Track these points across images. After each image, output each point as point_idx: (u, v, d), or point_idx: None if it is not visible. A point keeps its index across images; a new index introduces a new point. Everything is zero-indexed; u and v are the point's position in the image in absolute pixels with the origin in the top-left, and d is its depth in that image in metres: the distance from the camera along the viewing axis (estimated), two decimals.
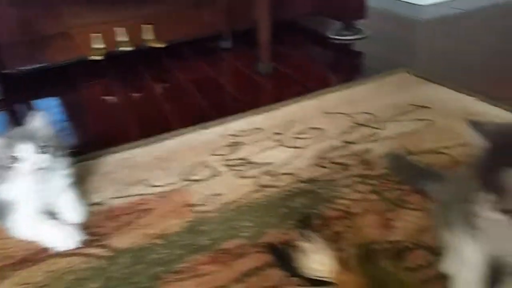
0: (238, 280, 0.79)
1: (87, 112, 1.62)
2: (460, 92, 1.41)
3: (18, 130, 0.92)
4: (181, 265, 0.83)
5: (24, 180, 0.88)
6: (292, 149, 1.19)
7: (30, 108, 1.64)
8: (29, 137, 0.87)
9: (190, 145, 1.25)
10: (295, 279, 0.76)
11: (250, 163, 1.15)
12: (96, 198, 1.05)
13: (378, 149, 1.15)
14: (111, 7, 1.85)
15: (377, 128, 1.25)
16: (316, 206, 0.96)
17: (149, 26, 1.88)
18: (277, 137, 1.26)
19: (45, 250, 0.90)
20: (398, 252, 0.81)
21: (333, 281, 0.71)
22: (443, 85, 1.46)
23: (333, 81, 1.67)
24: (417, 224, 0.87)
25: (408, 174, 1.00)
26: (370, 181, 1.02)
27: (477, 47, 1.88)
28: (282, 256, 0.81)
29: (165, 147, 1.25)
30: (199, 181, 1.08)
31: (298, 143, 1.22)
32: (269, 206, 0.98)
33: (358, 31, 2.10)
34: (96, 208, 1.02)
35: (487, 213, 0.59)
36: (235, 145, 1.23)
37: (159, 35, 1.89)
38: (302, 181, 1.06)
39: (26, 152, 0.86)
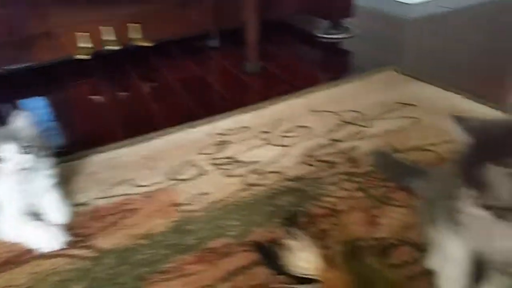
0: (224, 279, 0.79)
1: (73, 112, 1.60)
2: (446, 90, 1.42)
3: (1, 130, 0.90)
4: (167, 265, 0.83)
5: (7, 181, 0.87)
6: (279, 148, 1.19)
7: (16, 108, 1.62)
8: (12, 137, 0.86)
9: (177, 144, 1.25)
10: (281, 277, 0.76)
11: (237, 161, 1.15)
12: (81, 199, 1.04)
13: (365, 147, 1.15)
14: (97, 6, 1.83)
15: (363, 126, 1.25)
16: (303, 204, 0.96)
17: (136, 25, 1.87)
18: (265, 135, 1.26)
19: (29, 251, 0.89)
20: (384, 249, 0.81)
21: (319, 278, 0.71)
22: (430, 83, 1.48)
23: (321, 80, 1.67)
24: (402, 221, 0.88)
25: (393, 172, 1.00)
26: (356, 179, 1.03)
27: (465, 46, 1.90)
28: (269, 254, 0.81)
29: (152, 147, 1.24)
30: (186, 180, 1.08)
31: (285, 141, 1.22)
32: (256, 204, 0.98)
33: (345, 29, 2.11)
34: (81, 208, 1.01)
35: (469, 209, 0.59)
36: (222, 144, 1.23)
37: (146, 34, 1.88)
38: (289, 179, 1.06)
39: (9, 152, 0.85)
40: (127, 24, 1.86)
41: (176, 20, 1.96)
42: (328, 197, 0.98)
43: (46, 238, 0.89)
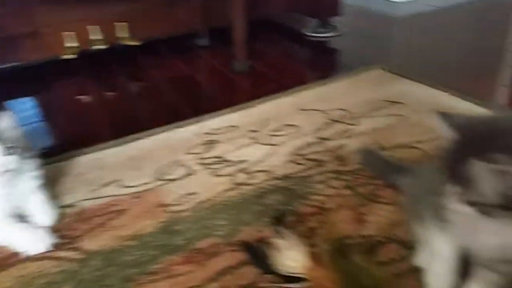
0: (212, 279, 0.79)
1: (60, 112, 1.59)
2: (434, 88, 1.43)
3: None
4: (155, 266, 0.82)
5: None
6: (268, 147, 1.19)
7: (1, 108, 1.60)
8: None
9: (165, 144, 1.24)
10: (269, 276, 0.76)
11: (226, 161, 1.14)
12: (67, 200, 1.03)
13: (352, 145, 1.15)
14: (84, 5, 1.81)
15: (351, 124, 1.26)
16: (291, 203, 0.96)
17: (124, 24, 1.85)
18: (253, 134, 1.26)
19: (14, 254, 0.88)
20: (371, 246, 0.82)
21: (306, 277, 0.72)
22: (417, 81, 1.49)
23: (309, 78, 1.67)
24: (390, 218, 0.88)
25: (380, 169, 1.01)
26: (344, 177, 1.03)
27: (452, 44, 1.91)
28: (257, 254, 0.80)
29: (139, 147, 1.23)
30: (173, 181, 1.07)
31: (274, 140, 1.22)
32: (244, 204, 0.98)
33: (333, 28, 2.12)
34: (67, 210, 1.00)
35: (454, 205, 0.60)
36: (210, 144, 1.23)
37: (133, 33, 1.86)
38: (277, 178, 1.06)
39: None
40: (114, 23, 1.84)
41: (164, 19, 1.95)
42: (316, 196, 0.98)
43: (32, 241, 0.88)
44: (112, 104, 1.59)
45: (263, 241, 0.83)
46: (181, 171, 1.11)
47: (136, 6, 1.90)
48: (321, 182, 1.03)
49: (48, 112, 1.58)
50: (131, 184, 1.06)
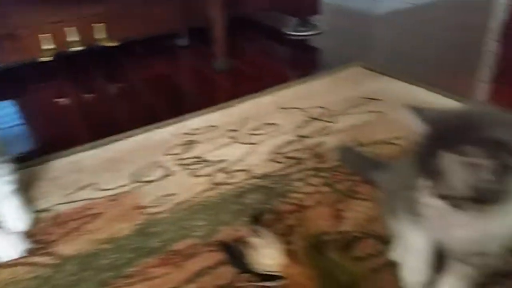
0: (189, 280, 0.78)
1: (37, 115, 1.56)
2: (412, 84, 1.44)
3: None
4: (131, 269, 0.81)
5: None
6: (247, 146, 1.19)
7: None
8: None
9: (143, 145, 1.23)
10: (246, 275, 0.76)
11: (205, 161, 1.13)
12: (42, 204, 1.01)
13: (331, 142, 1.16)
14: (60, 6, 1.79)
15: (330, 122, 1.26)
16: (270, 201, 0.96)
17: (101, 25, 1.83)
18: (232, 134, 1.25)
19: None
20: (348, 242, 0.82)
21: (282, 274, 0.71)
22: (395, 78, 1.50)
23: (289, 77, 1.67)
24: (367, 214, 0.89)
25: (358, 165, 1.01)
26: (323, 174, 1.03)
27: (431, 41, 1.93)
28: (234, 253, 0.80)
29: (117, 149, 1.21)
30: (151, 182, 1.06)
31: (253, 139, 1.22)
32: (223, 203, 0.97)
33: (313, 26, 2.12)
34: (42, 214, 0.98)
35: (426, 199, 0.60)
36: (189, 144, 1.22)
37: (111, 34, 1.84)
38: (256, 177, 1.05)
39: None
40: (92, 25, 1.82)
41: (142, 19, 1.93)
42: (295, 193, 0.98)
43: (5, 247, 0.86)
44: (90, 106, 1.57)
45: (241, 241, 0.82)
46: (159, 172, 1.09)
47: (113, 7, 1.87)
48: (300, 180, 1.02)
49: (25, 116, 1.55)
50: (107, 187, 1.05)
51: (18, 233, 0.90)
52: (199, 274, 0.79)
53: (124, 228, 0.91)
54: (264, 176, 1.05)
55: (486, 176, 0.52)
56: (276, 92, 1.48)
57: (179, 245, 0.86)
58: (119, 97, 1.62)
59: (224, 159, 1.13)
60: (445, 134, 0.58)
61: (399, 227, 0.73)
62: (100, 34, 1.82)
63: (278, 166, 1.09)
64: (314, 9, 2.10)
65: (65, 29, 1.78)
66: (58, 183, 1.08)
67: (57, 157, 1.19)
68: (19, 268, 0.84)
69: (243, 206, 0.96)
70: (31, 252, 0.87)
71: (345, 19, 2.35)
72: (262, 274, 0.74)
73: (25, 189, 1.02)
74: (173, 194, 1.01)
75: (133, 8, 1.91)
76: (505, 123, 0.57)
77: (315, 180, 1.01)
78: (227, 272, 0.78)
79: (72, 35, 1.79)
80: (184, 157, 1.16)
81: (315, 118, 1.29)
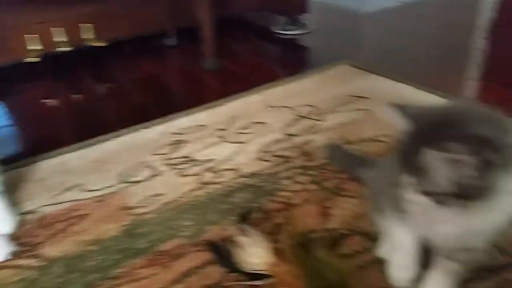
0: (176, 281, 0.77)
1: (24, 117, 1.54)
2: (399, 82, 1.45)
3: None
4: (117, 271, 0.80)
5: None
6: (236, 145, 1.18)
7: None
8: None
9: (131, 145, 1.22)
10: (234, 274, 0.76)
11: (193, 160, 1.13)
12: (28, 206, 1.00)
13: (319, 140, 1.16)
14: (46, 6, 1.77)
15: (318, 120, 1.26)
16: (258, 200, 0.96)
17: (89, 25, 1.81)
18: (221, 133, 1.25)
19: None
20: (335, 239, 0.82)
21: (269, 273, 0.71)
22: (383, 76, 1.50)
23: (278, 76, 1.67)
24: (354, 211, 0.89)
25: (346, 163, 1.01)
26: (310, 172, 1.03)
27: (420, 39, 1.94)
28: (221, 253, 0.79)
29: (104, 149, 1.20)
30: (138, 183, 1.05)
31: (242, 138, 1.21)
32: (211, 203, 0.97)
33: (302, 25, 2.12)
34: (28, 216, 0.97)
35: (411, 196, 0.60)
36: (177, 144, 1.21)
37: (99, 34, 1.83)
38: (244, 176, 1.05)
39: None
40: (79, 25, 1.80)
41: (130, 19, 1.92)
42: (283, 192, 0.98)
43: None
44: (78, 107, 1.56)
45: (228, 240, 0.82)
46: (146, 173, 1.09)
47: (101, 7, 1.86)
48: (288, 178, 1.02)
49: (12, 117, 1.53)
50: (94, 188, 1.04)
51: (3, 236, 0.89)
52: (187, 274, 0.78)
53: (111, 229, 0.90)
54: (252, 175, 1.05)
55: (468, 172, 0.52)
56: (265, 91, 1.48)
57: (167, 246, 0.85)
58: (107, 97, 1.60)
59: (212, 158, 1.13)
60: (428, 131, 0.58)
61: (386, 224, 0.73)
62: (88, 34, 1.81)
63: (266, 164, 1.09)
64: (302, 8, 2.10)
65: (52, 29, 1.76)
66: (44, 185, 1.07)
67: (44, 158, 1.18)
68: (4, 271, 0.83)
69: (231, 205, 0.95)
70: (16, 255, 0.86)
71: (334, 17, 2.36)
72: (249, 273, 0.73)
73: (11, 191, 1.01)
74: (160, 194, 1.00)
75: (121, 8, 1.89)
76: (488, 119, 0.57)
77: (303, 178, 1.01)
78: (215, 272, 0.78)
79: (59, 36, 1.77)
80: (172, 156, 1.15)
81: (303, 117, 1.29)
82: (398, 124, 0.62)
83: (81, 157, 1.18)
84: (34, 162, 1.17)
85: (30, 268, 0.83)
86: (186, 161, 1.13)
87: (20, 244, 0.89)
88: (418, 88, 1.39)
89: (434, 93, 1.34)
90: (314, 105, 1.34)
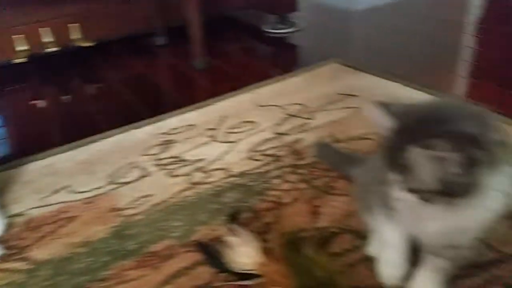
0: (166, 282, 0.77)
1: (12, 118, 1.52)
2: (388, 79, 1.45)
3: None
4: (106, 273, 0.80)
5: None
6: (225, 144, 1.18)
7: None
8: None
9: (120, 146, 1.21)
10: (224, 274, 0.75)
11: (182, 161, 1.12)
12: (16, 209, 0.99)
13: (309, 138, 1.16)
14: (33, 6, 1.75)
15: (308, 119, 1.26)
16: (247, 200, 0.95)
17: (76, 25, 1.80)
18: (210, 132, 1.24)
19: None
20: (325, 238, 0.82)
21: (258, 272, 0.71)
22: (372, 74, 1.50)
23: (268, 74, 1.67)
24: (344, 209, 0.89)
25: (335, 161, 1.01)
26: (300, 171, 1.03)
27: (410, 37, 1.94)
28: (211, 253, 0.79)
29: (93, 150, 1.20)
30: (127, 184, 1.04)
31: (231, 137, 1.21)
32: (200, 203, 0.96)
33: (292, 24, 2.12)
34: (16, 219, 0.96)
35: (397, 193, 0.60)
36: (167, 144, 1.20)
37: (87, 33, 1.81)
38: (234, 176, 1.05)
39: None
40: (67, 25, 1.79)
41: (118, 18, 1.91)
42: (272, 191, 0.98)
43: None
44: (66, 108, 1.54)
45: (218, 240, 0.82)
46: (135, 174, 1.08)
47: (88, 7, 1.85)
48: (277, 177, 1.02)
49: (0, 119, 1.51)
50: (83, 190, 1.03)
51: None
52: (176, 275, 0.78)
53: (99, 231, 0.89)
54: (242, 175, 1.05)
55: (453, 169, 0.53)
56: (255, 90, 1.48)
57: (156, 247, 0.85)
58: (97, 98, 1.59)
59: (202, 158, 1.13)
60: (412, 129, 0.58)
61: (374, 221, 0.73)
62: (76, 34, 1.80)
63: (256, 164, 1.08)
64: (292, 6, 2.10)
65: (39, 29, 1.75)
66: (32, 187, 1.06)
67: (32, 160, 1.17)
68: None
69: (220, 205, 0.95)
70: (4, 258, 0.85)
71: (324, 16, 2.36)
72: (239, 273, 0.73)
73: None
74: (150, 195, 1.00)
75: (109, 7, 1.88)
76: (472, 116, 0.58)
77: (292, 177, 1.01)
78: (205, 272, 0.77)
79: (47, 36, 1.76)
80: (162, 157, 1.14)
81: (293, 115, 1.29)
82: (383, 122, 0.63)
83: (70, 158, 1.17)
84: (22, 164, 1.16)
85: (18, 271, 0.82)
86: (176, 161, 1.12)
87: (7, 248, 0.88)
88: (407, 85, 1.39)
89: (423, 91, 1.34)
90: (303, 104, 1.34)
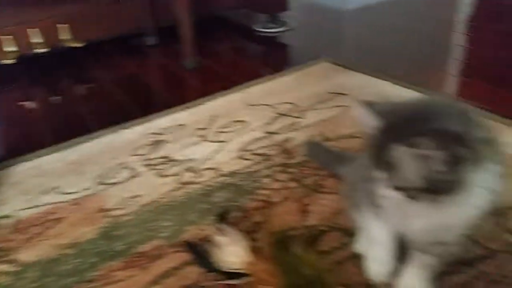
0: (154, 282, 0.77)
1: (1, 120, 1.51)
2: (379, 78, 1.45)
3: None
4: (94, 274, 0.79)
5: None
6: (215, 144, 1.18)
7: None
8: None
9: (109, 146, 1.20)
10: (212, 274, 0.75)
11: (172, 161, 1.12)
12: (3, 211, 0.98)
13: (299, 137, 1.16)
14: (21, 7, 1.74)
15: (298, 117, 1.26)
16: (237, 199, 0.95)
17: (65, 25, 1.78)
18: (201, 132, 1.24)
19: None
20: (314, 236, 0.82)
21: (247, 272, 0.71)
22: (363, 73, 1.51)
23: (259, 74, 1.67)
24: (333, 207, 0.89)
25: (324, 160, 1.02)
26: (290, 170, 1.03)
27: (402, 36, 1.95)
28: (200, 253, 0.79)
29: (82, 151, 1.19)
30: (116, 184, 1.04)
31: (222, 137, 1.21)
32: (190, 203, 0.96)
33: (283, 23, 2.12)
34: (3, 221, 0.95)
35: (383, 191, 0.60)
36: (157, 144, 1.20)
37: (76, 34, 1.80)
38: (224, 175, 1.04)
39: None
40: (56, 25, 1.77)
41: (108, 18, 1.89)
42: (262, 190, 0.97)
43: None
44: (56, 109, 1.53)
45: (206, 240, 0.81)
46: (124, 174, 1.07)
47: (77, 7, 1.83)
48: (267, 176, 1.02)
49: None
50: (71, 191, 1.02)
51: None
52: (165, 275, 0.78)
53: (87, 232, 0.89)
54: (232, 174, 1.05)
55: (437, 167, 0.53)
56: (245, 89, 1.48)
57: (145, 247, 0.84)
58: (86, 98, 1.58)
59: (192, 158, 1.12)
60: (398, 127, 0.58)
61: (362, 219, 0.73)
62: (65, 35, 1.78)
63: (246, 163, 1.08)
64: (282, 5, 2.10)
65: (28, 30, 1.73)
66: (19, 188, 1.05)
67: (19, 161, 1.16)
68: None
69: (210, 205, 0.95)
70: None
71: (315, 15, 2.36)
72: (227, 272, 0.73)
73: None
74: (139, 196, 0.99)
75: (98, 8, 1.87)
76: (457, 114, 0.58)
77: (282, 176, 1.01)
78: (193, 272, 0.77)
79: (36, 37, 1.74)
80: (151, 157, 1.14)
81: (283, 114, 1.29)
82: (368, 121, 0.63)
83: (58, 159, 1.16)
84: (9, 165, 1.15)
85: (5, 273, 0.81)
86: (166, 161, 1.12)
87: None
88: (398, 84, 1.40)
89: (413, 89, 1.35)
90: (294, 103, 1.34)
